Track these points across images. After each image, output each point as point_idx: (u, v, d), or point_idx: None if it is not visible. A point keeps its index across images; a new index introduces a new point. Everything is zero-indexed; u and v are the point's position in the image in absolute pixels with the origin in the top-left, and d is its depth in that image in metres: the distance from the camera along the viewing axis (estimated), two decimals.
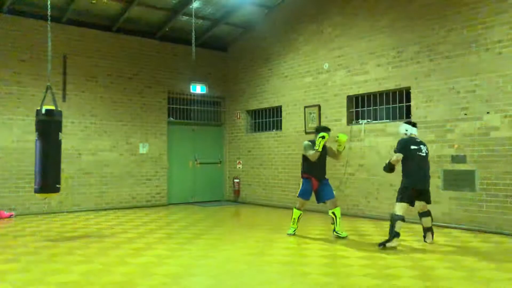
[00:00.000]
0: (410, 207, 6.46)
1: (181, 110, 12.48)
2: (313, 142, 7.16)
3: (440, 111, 8.11)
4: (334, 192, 7.26)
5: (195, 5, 10.41)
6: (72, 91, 10.59)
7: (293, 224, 7.30)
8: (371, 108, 9.51)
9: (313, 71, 10.55)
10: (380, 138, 9.04)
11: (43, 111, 6.83)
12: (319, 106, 10.30)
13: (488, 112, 7.47)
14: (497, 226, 7.29)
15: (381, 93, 9.28)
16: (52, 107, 6.92)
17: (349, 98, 9.79)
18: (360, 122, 9.57)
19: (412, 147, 6.38)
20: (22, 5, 9.88)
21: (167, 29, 11.60)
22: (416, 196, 6.42)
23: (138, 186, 11.47)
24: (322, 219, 8.75)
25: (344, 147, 7.35)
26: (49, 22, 7.43)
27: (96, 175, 10.84)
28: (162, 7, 10.82)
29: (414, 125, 6.67)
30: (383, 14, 9.13)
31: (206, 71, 12.64)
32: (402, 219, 6.25)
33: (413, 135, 6.55)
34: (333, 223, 7.09)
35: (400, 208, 6.30)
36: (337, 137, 7.23)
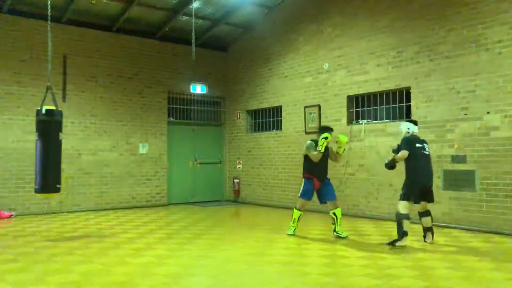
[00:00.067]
0: (413, 205, 6.48)
1: (181, 110, 12.48)
2: (315, 142, 7.14)
3: (440, 111, 8.11)
4: (335, 193, 7.26)
5: (195, 5, 10.41)
6: (72, 91, 10.59)
7: (293, 223, 7.28)
8: (371, 108, 9.50)
9: (313, 71, 10.55)
10: (380, 138, 9.04)
11: (44, 111, 6.83)
12: (319, 106, 10.30)
13: (488, 112, 7.47)
14: (497, 226, 7.29)
15: (381, 93, 9.28)
16: (53, 107, 6.92)
17: (349, 98, 9.79)
18: (360, 122, 9.57)
19: (417, 145, 6.44)
20: (22, 5, 9.89)
21: (167, 29, 11.60)
22: (420, 194, 6.43)
23: (138, 186, 11.48)
24: (322, 219, 8.75)
25: (344, 149, 7.30)
26: (49, 22, 7.43)
27: (96, 175, 10.84)
28: (162, 7, 10.82)
29: (415, 123, 6.72)
30: (383, 14, 9.13)
31: (206, 71, 12.64)
32: (407, 217, 6.30)
33: (415, 133, 6.59)
34: (333, 223, 7.09)
35: (404, 207, 6.35)
36: (337, 138, 7.21)
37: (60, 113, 7.03)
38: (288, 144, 11.13)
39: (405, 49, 8.70)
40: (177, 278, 4.86)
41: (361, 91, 9.49)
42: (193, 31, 9.36)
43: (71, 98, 10.57)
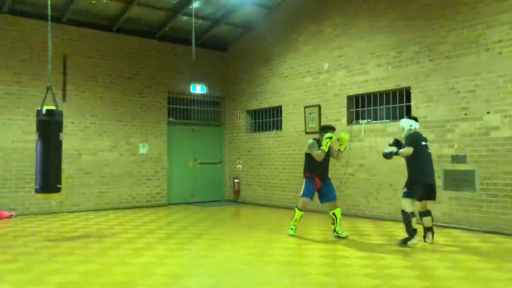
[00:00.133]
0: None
1: (181, 110, 12.48)
2: (317, 141, 7.14)
3: (440, 111, 8.12)
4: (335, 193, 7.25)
5: (195, 5, 10.41)
6: (72, 91, 10.59)
7: (294, 223, 7.23)
8: (371, 108, 9.51)
9: (313, 71, 10.55)
10: (380, 138, 9.04)
11: (44, 111, 6.83)
12: (319, 106, 10.30)
13: (488, 112, 7.47)
14: (497, 226, 7.29)
15: (381, 93, 9.28)
16: (53, 107, 6.92)
17: (349, 98, 9.79)
18: (360, 122, 9.58)
19: (423, 143, 6.50)
20: (22, 5, 9.89)
21: (167, 29, 11.60)
22: (425, 192, 6.45)
23: (138, 186, 11.48)
24: (322, 219, 8.75)
25: (345, 147, 7.30)
26: (49, 22, 7.43)
27: (96, 175, 10.84)
28: (162, 7, 10.82)
29: (416, 120, 6.75)
30: (383, 14, 9.14)
31: (206, 71, 12.64)
32: (413, 214, 6.35)
33: (417, 130, 6.62)
34: (333, 224, 7.08)
35: (409, 205, 6.39)
36: (339, 135, 7.17)
37: (60, 113, 7.03)
38: (288, 144, 11.13)
39: (405, 49, 8.70)
40: (177, 278, 4.86)
41: (361, 91, 9.49)
42: (193, 31, 9.36)
43: (71, 98, 10.57)
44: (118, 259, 5.65)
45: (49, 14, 7.44)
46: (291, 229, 7.25)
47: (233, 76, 12.97)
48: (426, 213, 6.57)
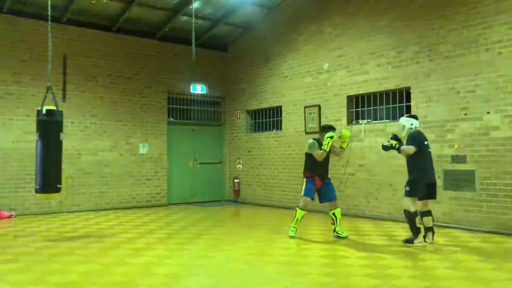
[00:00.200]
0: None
1: (181, 110, 12.48)
2: (317, 141, 7.13)
3: (440, 111, 8.12)
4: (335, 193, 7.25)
5: (195, 5, 10.40)
6: (72, 91, 10.59)
7: (295, 224, 7.12)
8: (371, 108, 9.50)
9: (313, 71, 10.55)
10: (380, 138, 9.03)
11: (44, 111, 6.83)
12: (319, 106, 10.30)
13: (488, 112, 7.47)
14: (497, 226, 7.29)
15: (381, 93, 9.28)
16: (53, 107, 6.92)
17: (349, 98, 9.79)
18: (360, 122, 9.58)
19: (425, 142, 6.54)
20: (22, 5, 9.89)
21: (167, 29, 11.61)
22: (427, 191, 6.47)
23: (138, 186, 11.48)
24: (322, 219, 8.75)
25: (347, 143, 7.27)
26: (49, 22, 7.43)
27: (96, 175, 10.84)
28: (162, 7, 10.82)
29: (416, 118, 6.78)
30: (383, 14, 9.13)
31: (206, 71, 12.64)
32: (417, 213, 6.42)
33: (418, 129, 6.66)
34: (333, 224, 7.08)
35: (412, 204, 6.45)
36: (340, 132, 7.18)
37: (60, 113, 7.03)
38: (288, 144, 11.13)
39: (405, 49, 8.70)
40: (177, 278, 4.86)
41: (361, 91, 9.49)
42: (193, 31, 9.36)
43: (71, 98, 10.57)
44: (118, 259, 5.65)
45: (49, 14, 7.44)
46: (292, 230, 7.14)
47: (233, 76, 12.97)
48: (427, 213, 6.57)
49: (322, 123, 9.87)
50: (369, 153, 9.29)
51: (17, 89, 9.91)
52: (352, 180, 9.59)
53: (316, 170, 7.10)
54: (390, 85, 8.97)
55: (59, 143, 6.99)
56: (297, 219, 7.09)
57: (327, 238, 7.05)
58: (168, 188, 12.02)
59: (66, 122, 9.62)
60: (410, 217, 6.44)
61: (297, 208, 7.13)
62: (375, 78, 9.22)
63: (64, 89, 10.46)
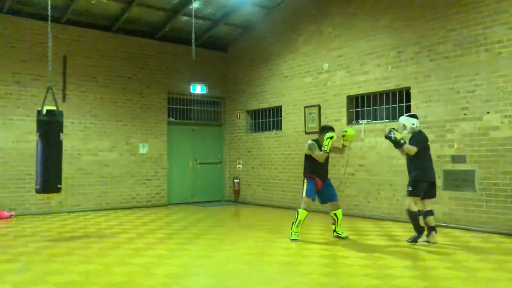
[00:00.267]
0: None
1: (181, 110, 12.48)
2: (317, 141, 7.08)
3: (440, 111, 8.12)
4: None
5: (195, 5, 10.41)
6: (72, 91, 10.59)
7: (296, 227, 6.88)
8: (371, 108, 9.51)
9: (313, 71, 10.55)
10: (380, 138, 9.02)
11: (44, 112, 6.83)
12: (319, 106, 10.30)
13: (488, 112, 7.47)
14: (497, 226, 7.29)
15: (381, 93, 9.28)
16: (53, 108, 6.92)
17: (349, 98, 9.79)
18: (360, 122, 9.58)
19: (428, 143, 6.63)
20: (22, 5, 9.88)
21: (167, 29, 11.61)
22: (427, 190, 6.52)
23: (138, 186, 11.48)
24: (322, 220, 8.75)
25: (350, 141, 7.17)
26: (49, 22, 7.43)
27: (96, 175, 10.84)
28: (162, 7, 10.82)
29: (417, 118, 6.82)
30: (383, 14, 9.14)
31: (206, 71, 12.64)
32: (419, 213, 6.45)
33: (419, 129, 6.74)
34: (333, 224, 7.06)
35: (415, 203, 6.47)
36: (345, 131, 7.08)
37: (60, 113, 7.03)
38: (288, 144, 11.13)
39: (405, 49, 8.70)
40: (177, 278, 4.86)
41: (361, 91, 9.49)
42: (193, 31, 9.35)
43: (71, 98, 10.57)
44: (118, 259, 5.65)
45: (49, 14, 7.43)
46: (295, 233, 6.89)
47: (233, 76, 12.97)
48: (429, 212, 6.58)
49: (322, 123, 9.87)
50: (369, 153, 9.29)
51: (17, 89, 9.91)
52: (352, 180, 9.59)
53: (317, 171, 7.04)
54: (390, 85, 8.97)
55: (59, 143, 7.00)
56: (300, 221, 6.85)
57: (327, 238, 7.05)
58: (168, 188, 12.02)
59: (66, 122, 9.62)
60: (413, 217, 6.47)
61: (298, 210, 6.93)
62: (375, 78, 9.22)
63: (64, 89, 10.46)
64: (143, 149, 11.60)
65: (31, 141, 9.16)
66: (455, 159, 7.87)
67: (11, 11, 9.83)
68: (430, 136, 8.00)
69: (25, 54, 10.00)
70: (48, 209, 10.10)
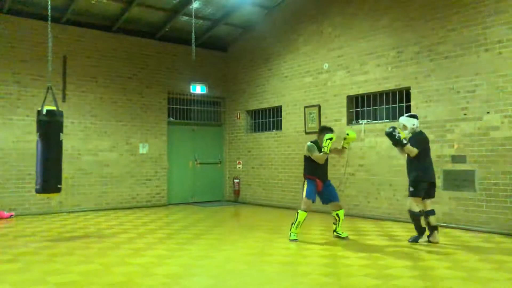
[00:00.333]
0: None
1: (181, 110, 12.48)
2: (315, 143, 7.05)
3: (440, 111, 8.12)
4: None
5: (195, 5, 10.41)
6: (72, 91, 10.59)
7: (296, 228, 6.87)
8: (371, 108, 9.50)
9: (313, 71, 10.55)
10: (380, 138, 9.03)
11: (44, 112, 6.83)
12: (319, 106, 10.30)
13: (488, 112, 7.47)
14: (497, 226, 7.29)
15: (381, 93, 9.28)
16: (53, 108, 6.93)
17: (349, 98, 9.79)
18: (360, 122, 9.58)
19: (428, 143, 6.65)
20: (22, 5, 9.88)
21: (167, 29, 11.61)
22: (427, 190, 6.54)
23: (138, 186, 11.48)
24: (322, 220, 8.75)
25: (350, 143, 7.13)
26: (49, 22, 7.43)
27: (96, 175, 10.84)
28: (162, 7, 10.82)
29: (417, 118, 6.82)
30: (383, 14, 9.13)
31: (206, 71, 12.64)
32: (420, 214, 6.48)
33: (419, 129, 6.76)
34: (335, 223, 7.05)
35: (415, 204, 6.49)
36: (347, 134, 7.00)
37: (60, 114, 7.03)
38: (288, 144, 11.13)
39: (405, 49, 8.70)
40: (177, 278, 4.86)
41: (361, 91, 9.49)
42: (193, 31, 9.35)
43: (71, 98, 10.57)
44: (118, 259, 5.65)
45: (49, 14, 7.44)
46: (294, 234, 6.88)
47: (233, 76, 12.97)
48: (431, 212, 6.59)
49: (322, 123, 9.87)
50: (369, 153, 9.29)
51: (17, 89, 9.91)
52: (352, 180, 9.59)
53: (317, 172, 7.00)
54: (390, 85, 8.97)
55: (59, 143, 7.00)
56: (299, 222, 6.83)
57: (327, 238, 7.04)
58: (168, 188, 12.02)
59: (66, 122, 9.63)
60: (414, 217, 6.48)
61: (298, 211, 6.91)
62: (375, 78, 9.22)
63: (64, 89, 10.46)
64: (143, 149, 11.59)
65: (31, 141, 9.16)
66: (455, 159, 7.87)
67: (11, 11, 9.84)
68: (430, 136, 7.99)
69: (25, 54, 10.00)
70: (48, 209, 10.11)
